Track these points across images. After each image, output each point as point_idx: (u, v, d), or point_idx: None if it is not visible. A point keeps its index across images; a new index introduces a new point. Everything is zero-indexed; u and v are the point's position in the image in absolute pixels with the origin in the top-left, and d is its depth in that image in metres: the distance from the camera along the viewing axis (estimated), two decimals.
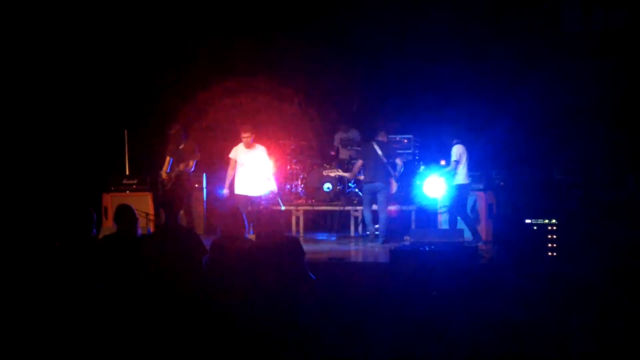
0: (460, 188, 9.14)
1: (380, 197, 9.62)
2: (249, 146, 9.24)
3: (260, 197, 9.34)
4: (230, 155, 9.36)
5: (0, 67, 10.29)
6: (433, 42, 11.12)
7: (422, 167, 10.65)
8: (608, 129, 10.61)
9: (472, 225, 9.13)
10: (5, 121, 10.38)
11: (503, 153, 10.59)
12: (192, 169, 9.75)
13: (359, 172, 10.06)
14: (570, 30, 11.46)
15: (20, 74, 10.45)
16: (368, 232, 9.90)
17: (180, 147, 9.61)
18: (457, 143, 9.14)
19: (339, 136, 11.87)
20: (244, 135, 9.18)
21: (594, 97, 10.53)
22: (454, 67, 11.02)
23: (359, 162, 9.99)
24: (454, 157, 9.07)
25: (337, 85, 11.78)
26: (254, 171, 9.29)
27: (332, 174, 10.77)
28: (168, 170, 9.61)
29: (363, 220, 10.15)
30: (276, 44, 11.55)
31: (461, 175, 9.10)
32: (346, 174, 10.61)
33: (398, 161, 9.76)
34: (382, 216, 9.62)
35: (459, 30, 11.05)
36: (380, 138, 9.80)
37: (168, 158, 9.71)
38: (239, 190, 9.30)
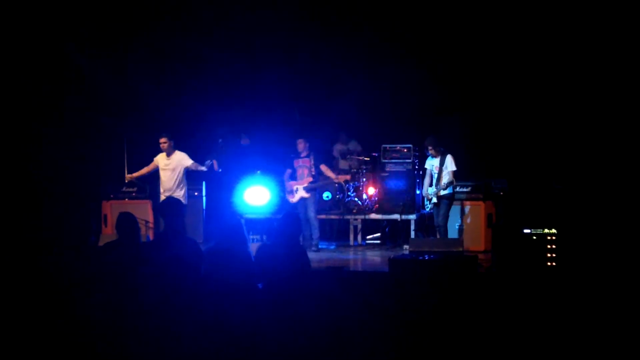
0: (451, 198, 9.22)
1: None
2: (169, 153, 9.36)
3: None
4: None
5: (1, 71, 10.31)
6: (430, 47, 11.10)
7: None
8: (607, 138, 10.57)
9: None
10: (5, 125, 10.39)
11: (502, 162, 10.59)
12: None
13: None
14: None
15: (20, 80, 10.46)
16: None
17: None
18: (447, 152, 9.20)
19: (338, 147, 11.84)
20: (160, 141, 9.34)
21: (592, 104, 10.49)
22: (450, 72, 11.00)
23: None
24: (453, 167, 9.09)
25: (335, 93, 11.76)
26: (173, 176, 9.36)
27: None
28: None
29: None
30: (273, 47, 11.53)
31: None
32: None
33: None
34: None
35: (452, 33, 11.01)
36: None
37: None
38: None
